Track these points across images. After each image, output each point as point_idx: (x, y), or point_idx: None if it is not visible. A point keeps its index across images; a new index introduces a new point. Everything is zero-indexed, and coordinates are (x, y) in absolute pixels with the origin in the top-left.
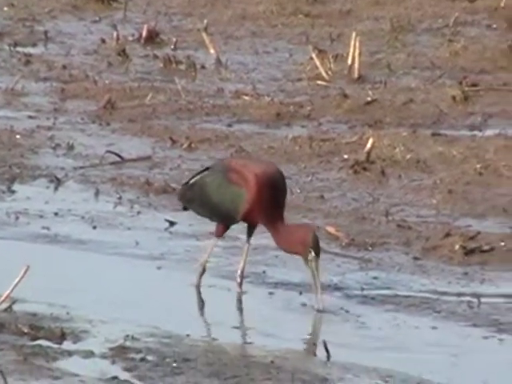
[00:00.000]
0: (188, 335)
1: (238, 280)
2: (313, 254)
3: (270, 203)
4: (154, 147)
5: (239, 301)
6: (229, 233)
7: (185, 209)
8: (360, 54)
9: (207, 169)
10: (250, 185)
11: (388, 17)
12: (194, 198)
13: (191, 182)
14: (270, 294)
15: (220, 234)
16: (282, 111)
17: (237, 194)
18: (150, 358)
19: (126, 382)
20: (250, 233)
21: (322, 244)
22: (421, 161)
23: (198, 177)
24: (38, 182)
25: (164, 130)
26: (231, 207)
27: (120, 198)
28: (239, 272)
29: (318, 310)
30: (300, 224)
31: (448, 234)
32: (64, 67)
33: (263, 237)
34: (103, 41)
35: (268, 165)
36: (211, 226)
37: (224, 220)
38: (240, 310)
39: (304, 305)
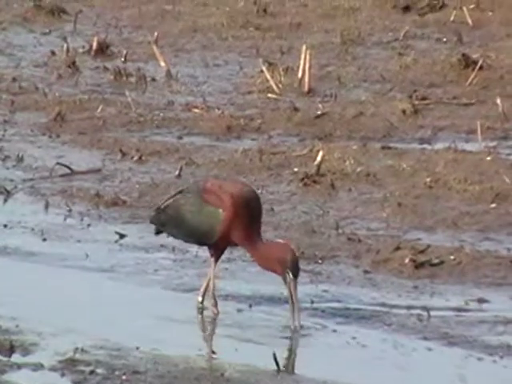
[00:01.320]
0: (137, 348)
1: (212, 301)
2: (291, 275)
3: (246, 222)
4: (104, 159)
5: (197, 313)
6: (179, 245)
7: (158, 233)
8: (310, 66)
9: (180, 192)
10: (227, 204)
11: (338, 30)
12: (168, 220)
13: (164, 204)
14: (220, 306)
15: (217, 257)
16: (232, 124)
17: (213, 214)
18: (99, 370)
19: None
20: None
21: None
22: (371, 174)
23: (172, 200)
24: None
25: (114, 142)
26: (208, 227)
27: (70, 210)
28: (211, 293)
29: (295, 329)
30: (279, 242)
31: (398, 248)
32: (14, 79)
33: None
34: (53, 53)
35: (243, 185)
36: (161, 239)
37: (201, 241)
38: (191, 322)
39: (253, 318)
